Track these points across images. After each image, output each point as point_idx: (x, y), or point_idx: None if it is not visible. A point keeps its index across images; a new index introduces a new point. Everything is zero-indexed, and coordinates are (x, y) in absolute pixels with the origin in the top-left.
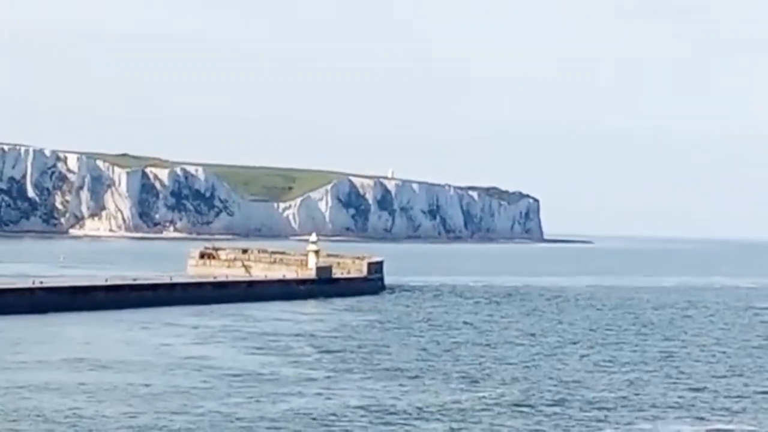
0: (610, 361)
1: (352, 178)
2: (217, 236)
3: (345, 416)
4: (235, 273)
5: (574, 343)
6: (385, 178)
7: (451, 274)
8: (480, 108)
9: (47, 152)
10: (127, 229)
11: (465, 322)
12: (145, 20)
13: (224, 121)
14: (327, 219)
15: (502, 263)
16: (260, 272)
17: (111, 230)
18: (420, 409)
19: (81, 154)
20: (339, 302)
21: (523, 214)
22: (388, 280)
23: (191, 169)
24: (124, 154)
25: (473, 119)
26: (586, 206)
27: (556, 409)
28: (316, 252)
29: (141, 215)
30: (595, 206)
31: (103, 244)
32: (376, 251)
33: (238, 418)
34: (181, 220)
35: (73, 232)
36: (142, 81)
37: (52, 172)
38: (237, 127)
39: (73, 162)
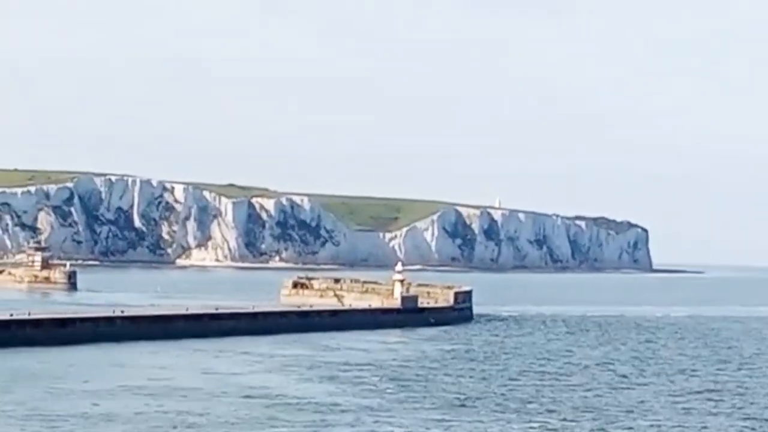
0: (678, 392)
1: (458, 207)
2: (322, 266)
3: None
4: (328, 302)
5: (647, 373)
6: (492, 207)
7: (548, 303)
8: (587, 137)
9: (154, 182)
10: (233, 259)
11: (548, 352)
12: (254, 51)
13: (330, 152)
14: (433, 249)
15: (604, 293)
16: (352, 302)
17: (217, 260)
18: None
19: (187, 184)
20: (423, 332)
21: (632, 243)
22: (479, 309)
23: (297, 199)
24: (231, 185)
25: (581, 148)
26: (697, 236)
27: None
28: (402, 281)
29: (247, 245)
30: (707, 236)
31: (208, 274)
32: (480, 281)
33: None
34: (286, 250)
35: (179, 262)
36: (249, 112)
37: (159, 203)
38: (343, 158)
39: (179, 192)
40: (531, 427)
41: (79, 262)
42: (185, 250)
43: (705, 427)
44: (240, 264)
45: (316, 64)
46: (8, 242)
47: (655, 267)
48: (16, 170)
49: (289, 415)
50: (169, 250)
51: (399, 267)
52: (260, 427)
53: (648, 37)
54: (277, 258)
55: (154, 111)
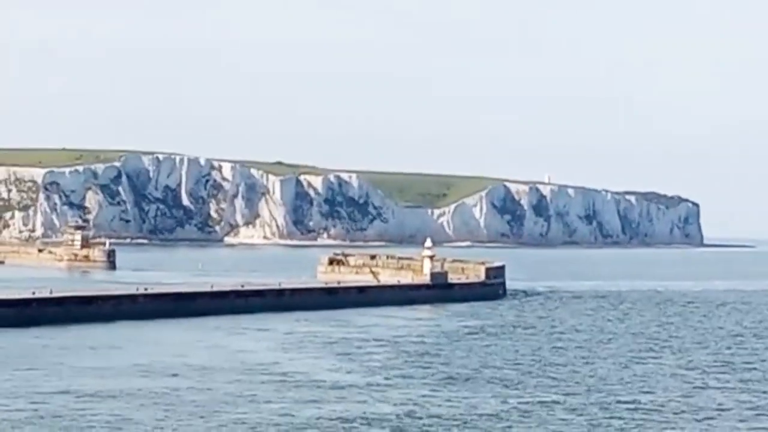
0: (691, 367)
1: (507, 183)
2: (370, 243)
3: (380, 421)
4: (363, 279)
5: (666, 348)
6: (541, 183)
7: (588, 279)
8: (637, 112)
9: (202, 161)
10: (281, 236)
11: (570, 327)
12: (300, 30)
13: (378, 128)
14: (482, 225)
15: (650, 268)
16: (388, 278)
17: (265, 238)
18: (457, 415)
19: (235, 162)
20: (452, 307)
21: (682, 218)
22: (515, 285)
23: (345, 176)
24: (278, 162)
25: (631, 124)
26: (748, 210)
27: (606, 412)
28: (431, 257)
29: (295, 223)
30: (758, 210)
31: (255, 252)
32: (527, 257)
33: (269, 424)
34: (335, 227)
35: (227, 240)
36: (296, 89)
37: (207, 181)
38: (391, 134)
39: (227, 170)
40: (530, 401)
41: (127, 240)
42: (233, 228)
43: (715, 403)
44: (288, 241)
45: (363, 43)
46: (56, 221)
47: (706, 242)
48: (64, 149)
49: (287, 391)
50: (217, 228)
51: (428, 243)
52: (250, 404)
53: (698, 11)
54: (325, 235)
55: (201, 90)
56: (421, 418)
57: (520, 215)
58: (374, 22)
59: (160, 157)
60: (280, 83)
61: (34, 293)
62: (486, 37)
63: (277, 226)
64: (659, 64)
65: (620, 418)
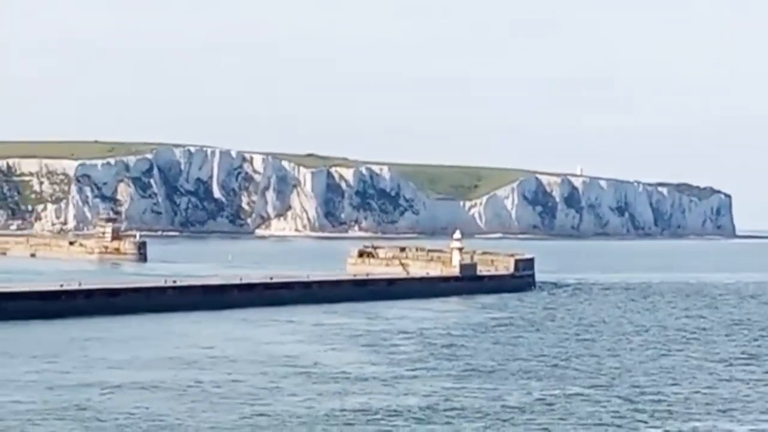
0: (718, 358)
1: (538, 175)
2: (402, 235)
3: (403, 413)
4: (393, 271)
5: (693, 340)
6: (572, 175)
7: (618, 271)
8: (670, 103)
9: (233, 153)
10: (313, 228)
11: (597, 319)
12: (334, 22)
13: (409, 120)
14: (513, 217)
15: (681, 260)
16: (417, 270)
17: (296, 230)
18: (481, 407)
19: (266, 154)
20: (480, 299)
21: (715, 209)
22: (544, 277)
23: (376, 169)
24: (310, 155)
25: (662, 115)
26: None
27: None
28: (460, 249)
29: (326, 215)
30: None
31: (286, 244)
32: (559, 249)
33: (291, 416)
34: (366, 219)
35: (259, 232)
36: (328, 81)
37: (238, 173)
38: (422, 126)
39: (258, 163)
40: (553, 393)
41: (159, 233)
42: (265, 220)
43: (740, 395)
44: (319, 234)
45: (393, 35)
46: (88, 214)
47: (738, 233)
48: (96, 142)
49: (311, 383)
50: (249, 221)
51: (457, 235)
52: (274, 396)
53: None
54: (356, 227)
55: (232, 82)
56: (444, 410)
57: (552, 207)
58: (406, 18)
59: (192, 149)
60: (312, 76)
61: (62, 285)
62: (517, 31)
63: (309, 218)
64: (692, 52)
65: (644, 411)
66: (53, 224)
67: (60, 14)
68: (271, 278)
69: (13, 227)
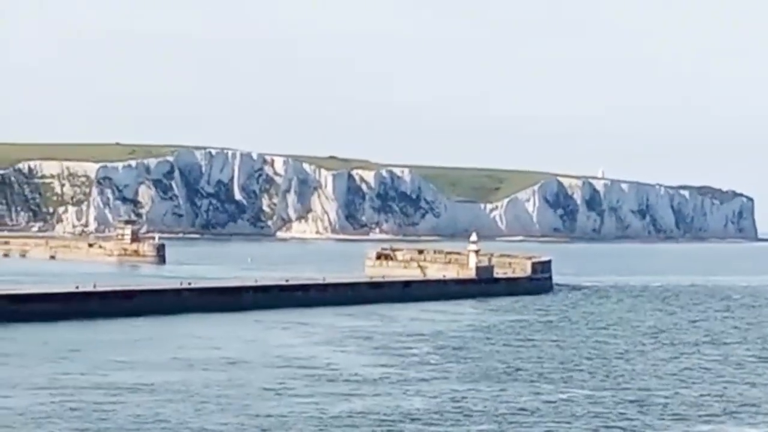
0: (730, 361)
1: (559, 178)
2: (423, 237)
3: (410, 416)
4: (411, 273)
5: (705, 343)
6: (594, 178)
7: (636, 273)
8: (691, 106)
9: (254, 155)
10: (334, 231)
11: (616, 323)
12: (351, 19)
13: (430, 122)
14: (534, 220)
15: (701, 263)
16: (435, 272)
17: (317, 232)
18: (488, 410)
19: (287, 157)
20: (496, 302)
21: (737, 213)
22: (562, 279)
23: (397, 171)
24: (331, 157)
25: (685, 118)
26: None
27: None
28: (477, 252)
29: (347, 217)
30: None
31: (307, 246)
32: (580, 252)
33: (298, 418)
34: (387, 221)
35: (280, 234)
36: (349, 83)
37: (259, 175)
38: (443, 128)
39: (279, 165)
40: (562, 396)
41: (180, 235)
42: (285, 222)
43: (750, 398)
44: (340, 236)
45: (414, 36)
46: (109, 216)
47: (760, 236)
48: (117, 144)
49: (320, 385)
50: (270, 223)
51: (474, 237)
52: (282, 398)
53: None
54: (377, 230)
55: (253, 84)
56: (452, 413)
57: (573, 210)
58: (431, 17)
59: (213, 151)
60: (333, 77)
61: (77, 287)
62: (542, 31)
63: (330, 220)
64: (715, 55)
65: (653, 414)
66: (74, 226)
67: (78, 16)
68: (287, 280)
69: (35, 229)
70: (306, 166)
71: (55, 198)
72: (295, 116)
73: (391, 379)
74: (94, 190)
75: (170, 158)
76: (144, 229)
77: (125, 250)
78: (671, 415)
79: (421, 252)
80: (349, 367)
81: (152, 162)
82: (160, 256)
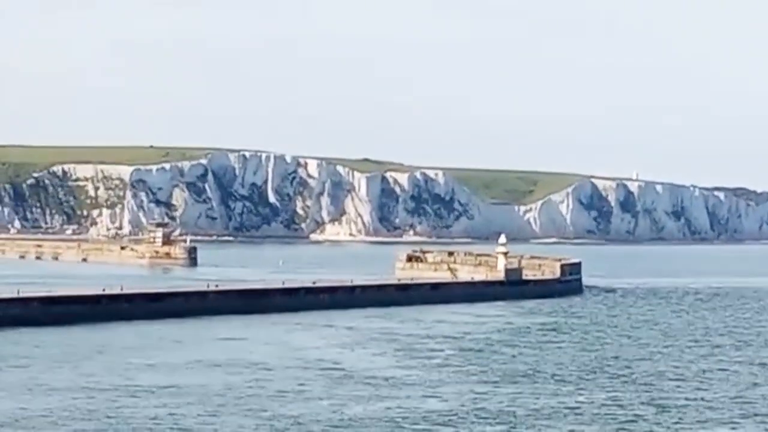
0: (753, 363)
1: (593, 180)
2: (456, 240)
3: (428, 418)
4: (441, 276)
5: (729, 347)
6: (628, 179)
7: (667, 275)
8: (727, 107)
9: (288, 158)
10: (367, 233)
11: (644, 325)
12: (380, 21)
13: (464, 124)
14: (568, 221)
15: (735, 265)
16: (465, 274)
17: (351, 235)
18: (507, 412)
19: (321, 159)
20: (524, 304)
21: None
22: (593, 281)
23: (431, 173)
24: (365, 159)
25: (720, 119)
26: None
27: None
28: (505, 254)
29: (381, 220)
30: None
31: (340, 249)
32: (613, 254)
33: (316, 419)
34: (420, 224)
35: (313, 237)
36: (383, 86)
37: (293, 178)
38: (476, 130)
39: (313, 168)
40: (583, 398)
41: (213, 238)
42: (319, 225)
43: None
44: (374, 238)
45: (448, 36)
46: (143, 219)
47: None
48: (151, 147)
49: (340, 387)
50: (303, 225)
51: (502, 239)
52: (301, 399)
53: None
54: (411, 232)
55: (287, 87)
56: (470, 415)
57: (607, 212)
58: (461, 21)
59: (247, 154)
60: (367, 80)
61: (104, 290)
62: (572, 31)
63: (363, 223)
64: (753, 57)
65: (672, 416)
66: (108, 229)
67: (112, 19)
68: (314, 282)
69: (69, 232)
70: (339, 168)
71: (89, 201)
72: (328, 119)
73: (413, 380)
74: (128, 193)
75: (204, 161)
76: (177, 232)
77: (157, 252)
78: (690, 418)
79: (451, 254)
80: (371, 369)
81: (186, 165)
82: (192, 259)
